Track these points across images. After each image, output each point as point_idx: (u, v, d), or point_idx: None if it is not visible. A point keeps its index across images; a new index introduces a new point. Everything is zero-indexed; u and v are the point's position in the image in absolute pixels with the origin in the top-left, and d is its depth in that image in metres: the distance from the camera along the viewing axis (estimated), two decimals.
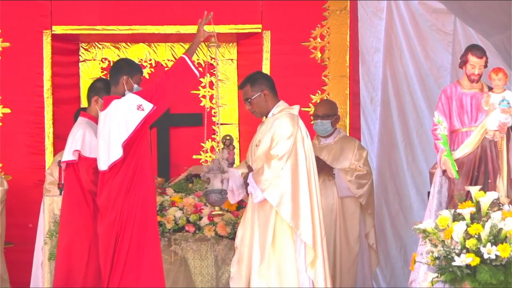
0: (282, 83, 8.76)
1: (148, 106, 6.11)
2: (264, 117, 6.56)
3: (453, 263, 5.86)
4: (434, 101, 7.16)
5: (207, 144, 9.20)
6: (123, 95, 6.27)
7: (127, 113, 6.09)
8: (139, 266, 6.09)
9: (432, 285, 6.02)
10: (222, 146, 8.24)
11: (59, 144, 8.71)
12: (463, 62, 6.56)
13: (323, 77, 9.03)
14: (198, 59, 9.23)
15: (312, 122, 8.21)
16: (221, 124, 9.09)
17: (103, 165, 6.13)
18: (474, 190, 6.22)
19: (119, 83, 6.31)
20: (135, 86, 6.34)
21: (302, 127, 6.38)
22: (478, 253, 5.86)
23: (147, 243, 6.15)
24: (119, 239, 6.09)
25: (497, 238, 5.92)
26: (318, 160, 7.91)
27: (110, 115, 6.14)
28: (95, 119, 6.55)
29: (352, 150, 8.02)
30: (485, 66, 6.56)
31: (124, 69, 6.36)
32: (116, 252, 6.08)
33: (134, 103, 6.10)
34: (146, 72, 9.17)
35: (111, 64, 6.53)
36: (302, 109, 8.80)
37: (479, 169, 6.46)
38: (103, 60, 9.18)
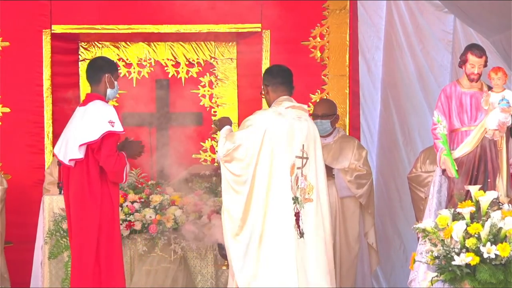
0: None
1: (118, 127, 6.17)
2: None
3: (453, 263, 5.86)
4: (434, 100, 7.16)
5: (207, 144, 9.20)
6: (105, 93, 6.34)
7: (98, 120, 6.15)
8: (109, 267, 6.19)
9: (432, 284, 6.02)
10: None
11: None
12: (463, 62, 6.56)
13: (322, 77, 9.03)
14: (198, 58, 9.25)
15: None
16: None
17: (64, 158, 6.19)
18: (474, 189, 6.22)
19: (102, 82, 6.35)
20: (116, 83, 6.41)
21: (272, 125, 6.29)
22: (477, 252, 5.86)
23: (113, 243, 6.24)
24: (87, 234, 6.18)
25: (496, 237, 5.92)
26: None
27: (86, 114, 6.20)
28: None
29: (352, 150, 8.03)
30: (485, 66, 6.56)
31: (105, 67, 6.40)
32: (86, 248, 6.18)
33: (109, 116, 6.18)
34: (145, 71, 9.18)
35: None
36: None
37: (478, 169, 6.45)
38: None
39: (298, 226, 6.26)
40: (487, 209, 6.08)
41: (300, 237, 6.25)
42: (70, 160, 6.16)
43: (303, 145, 6.34)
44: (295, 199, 6.28)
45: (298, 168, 6.30)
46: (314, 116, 8.06)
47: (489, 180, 6.43)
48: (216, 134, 6.65)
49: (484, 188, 6.27)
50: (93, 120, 6.17)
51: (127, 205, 7.53)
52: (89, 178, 6.18)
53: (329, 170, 7.88)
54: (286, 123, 6.32)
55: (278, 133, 6.28)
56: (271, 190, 6.24)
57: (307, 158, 6.35)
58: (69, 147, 6.17)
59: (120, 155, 6.21)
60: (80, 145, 6.12)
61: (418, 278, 6.42)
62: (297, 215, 6.27)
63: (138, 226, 7.44)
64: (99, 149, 6.14)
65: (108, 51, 9.19)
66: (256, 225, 6.21)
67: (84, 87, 9.13)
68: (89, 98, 6.33)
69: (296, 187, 6.29)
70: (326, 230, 6.39)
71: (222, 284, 7.54)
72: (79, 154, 6.13)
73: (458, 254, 5.87)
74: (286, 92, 6.51)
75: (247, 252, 6.20)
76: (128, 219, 7.45)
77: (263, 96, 6.61)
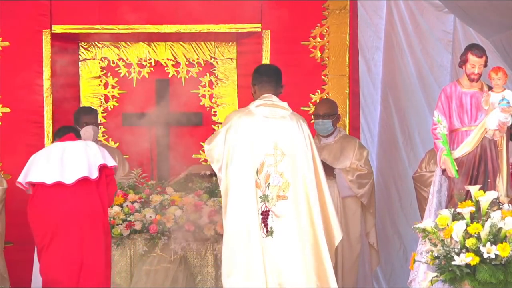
0: None
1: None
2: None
3: (453, 263, 5.86)
4: (434, 100, 7.16)
5: None
6: None
7: (104, 151, 6.59)
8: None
9: (432, 284, 6.02)
10: None
11: None
12: (463, 61, 6.56)
13: (322, 77, 9.03)
14: (198, 58, 9.25)
15: (312, 122, 8.22)
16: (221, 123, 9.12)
17: (71, 178, 6.36)
18: (474, 189, 6.22)
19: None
20: None
21: (235, 124, 6.38)
22: (477, 252, 5.86)
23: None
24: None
25: (496, 237, 5.92)
26: None
27: (95, 145, 6.61)
28: None
29: (353, 150, 8.04)
30: (485, 66, 6.56)
31: None
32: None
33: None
34: (145, 71, 9.18)
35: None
36: (302, 108, 8.85)
37: (478, 169, 6.45)
38: (103, 59, 9.18)
39: (266, 225, 6.26)
40: (487, 209, 6.08)
41: (267, 236, 6.25)
42: (84, 178, 6.34)
43: (275, 142, 6.34)
44: (264, 197, 6.29)
45: (270, 165, 6.32)
46: (315, 116, 8.08)
47: (489, 180, 6.43)
48: None
49: (484, 188, 6.27)
50: (106, 151, 6.62)
51: (127, 205, 7.53)
52: (101, 196, 6.44)
53: (330, 170, 7.90)
54: (252, 122, 6.36)
55: (241, 132, 6.33)
56: (235, 190, 6.28)
57: (283, 155, 6.34)
58: (87, 168, 6.41)
59: None
60: (99, 166, 6.45)
61: (418, 278, 6.42)
62: (264, 213, 6.27)
63: (138, 226, 7.44)
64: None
65: (108, 51, 9.19)
66: (227, 225, 6.29)
67: (84, 87, 9.14)
68: (73, 138, 6.68)
69: (265, 185, 6.30)
70: (316, 228, 6.33)
71: (222, 284, 7.53)
72: (96, 174, 6.41)
73: (458, 254, 5.87)
74: (271, 91, 6.53)
75: (223, 251, 6.32)
76: (128, 219, 7.46)
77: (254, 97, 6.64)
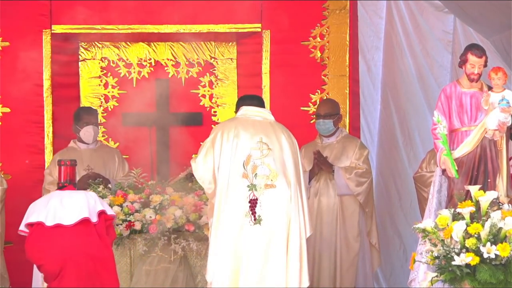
0: (281, 83, 8.81)
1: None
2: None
3: (453, 263, 5.86)
4: (434, 100, 7.17)
5: None
6: None
7: (104, 202, 6.52)
8: None
9: (432, 284, 6.02)
10: None
11: (59, 143, 8.73)
12: (463, 61, 6.56)
13: (322, 77, 9.03)
14: (198, 58, 9.25)
15: (313, 122, 8.22)
16: None
17: (71, 220, 6.28)
18: (474, 189, 6.22)
19: None
20: None
21: (222, 130, 6.53)
22: (477, 252, 5.86)
23: None
24: None
25: (496, 237, 5.91)
26: (320, 155, 7.92)
27: (85, 194, 6.45)
28: None
29: (353, 149, 8.05)
30: (485, 66, 6.56)
31: None
32: None
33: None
34: (145, 71, 9.18)
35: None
36: (302, 108, 8.85)
37: (478, 169, 6.45)
38: (103, 59, 9.18)
39: (253, 213, 6.37)
40: (487, 209, 6.08)
41: (255, 224, 6.35)
42: (84, 219, 6.29)
43: (260, 137, 6.48)
44: (252, 186, 6.39)
45: (257, 158, 6.43)
46: (317, 115, 8.09)
47: (489, 180, 6.43)
48: None
49: (484, 188, 6.27)
50: (105, 202, 6.60)
51: (127, 205, 7.53)
52: (101, 238, 6.36)
53: (329, 167, 7.91)
54: (237, 123, 6.53)
55: (226, 134, 6.48)
56: (222, 181, 6.44)
57: (268, 150, 6.47)
58: (87, 211, 6.33)
59: None
60: (98, 212, 6.34)
61: (418, 278, 6.42)
62: (252, 202, 6.39)
63: (138, 226, 7.44)
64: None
65: (108, 51, 9.20)
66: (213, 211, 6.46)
67: (84, 87, 9.14)
68: (73, 189, 6.57)
69: (253, 175, 6.41)
70: (291, 222, 6.41)
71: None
72: (96, 219, 6.34)
73: (458, 254, 5.87)
74: None
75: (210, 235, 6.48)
76: (128, 219, 7.46)
77: None
